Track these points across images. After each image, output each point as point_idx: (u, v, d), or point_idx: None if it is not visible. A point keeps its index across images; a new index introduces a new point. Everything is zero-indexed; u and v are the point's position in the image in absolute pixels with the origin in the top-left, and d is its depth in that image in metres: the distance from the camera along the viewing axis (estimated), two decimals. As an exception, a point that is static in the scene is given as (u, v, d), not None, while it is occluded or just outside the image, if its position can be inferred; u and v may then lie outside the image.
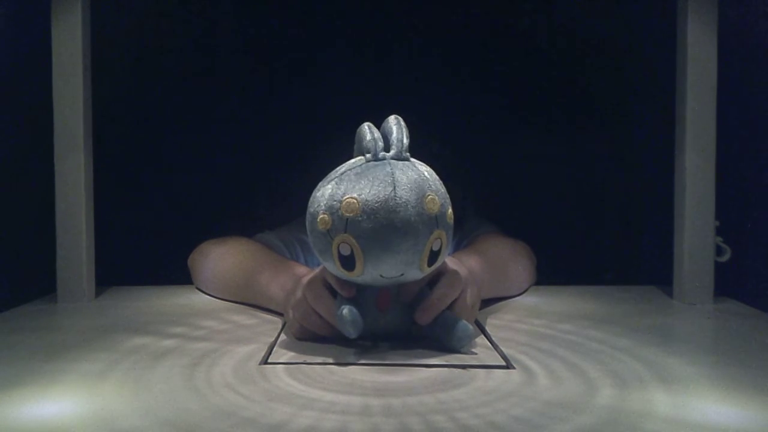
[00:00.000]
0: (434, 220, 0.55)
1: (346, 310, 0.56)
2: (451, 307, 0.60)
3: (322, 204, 0.56)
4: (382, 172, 0.55)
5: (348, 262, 0.55)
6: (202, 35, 1.26)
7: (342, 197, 0.55)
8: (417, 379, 0.52)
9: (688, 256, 0.81)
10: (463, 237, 0.95)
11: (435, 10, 1.26)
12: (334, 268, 0.57)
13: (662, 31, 0.89)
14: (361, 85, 1.19)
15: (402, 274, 0.56)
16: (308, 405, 0.46)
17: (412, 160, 0.58)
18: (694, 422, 0.44)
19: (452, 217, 0.57)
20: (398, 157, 0.57)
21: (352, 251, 0.54)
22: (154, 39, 1.18)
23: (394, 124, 0.58)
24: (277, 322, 0.71)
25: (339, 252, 0.55)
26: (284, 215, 1.08)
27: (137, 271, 1.00)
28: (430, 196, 0.55)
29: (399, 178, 0.54)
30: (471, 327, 0.59)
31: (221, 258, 0.86)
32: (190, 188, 1.22)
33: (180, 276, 0.91)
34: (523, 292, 0.87)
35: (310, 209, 0.58)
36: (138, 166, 1.20)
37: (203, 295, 0.86)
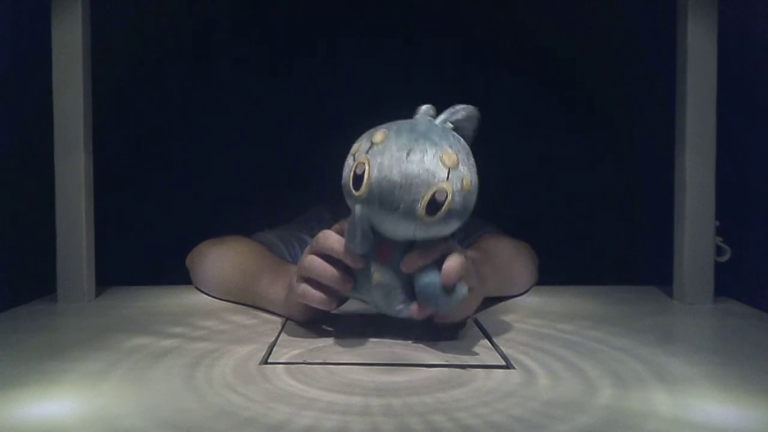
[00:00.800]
0: (445, 171, 0.57)
1: (358, 206, 0.58)
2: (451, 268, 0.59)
3: (363, 137, 0.60)
4: (425, 123, 0.60)
5: (358, 181, 0.57)
6: (202, 35, 1.26)
7: (379, 129, 0.59)
8: (417, 379, 0.52)
9: (688, 256, 0.81)
10: (465, 237, 0.95)
11: (436, 10, 1.26)
12: (348, 195, 0.59)
13: (662, 31, 0.89)
14: (363, 87, 1.19)
15: (399, 207, 0.56)
16: (308, 405, 0.46)
17: (457, 135, 0.61)
18: (694, 422, 0.44)
19: (470, 187, 0.59)
20: (441, 124, 0.61)
21: (364, 171, 0.57)
22: (154, 39, 1.18)
23: (462, 107, 0.63)
24: (277, 322, 0.71)
25: (355, 171, 0.58)
26: (284, 215, 1.08)
27: (137, 271, 0.99)
28: (448, 152, 0.58)
29: (430, 129, 0.59)
30: (465, 289, 0.58)
31: (221, 258, 0.86)
32: (190, 188, 1.22)
33: (180, 276, 0.91)
34: (525, 292, 0.87)
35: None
36: (138, 166, 1.20)
37: (203, 295, 0.86)
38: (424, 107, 0.62)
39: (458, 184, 0.57)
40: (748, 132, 0.89)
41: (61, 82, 0.80)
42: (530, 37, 1.26)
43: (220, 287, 0.83)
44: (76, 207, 0.80)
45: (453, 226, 0.59)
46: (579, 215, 1.24)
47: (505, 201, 1.19)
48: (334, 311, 0.65)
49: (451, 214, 0.57)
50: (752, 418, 0.44)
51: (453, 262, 0.57)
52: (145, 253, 1.16)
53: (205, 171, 1.23)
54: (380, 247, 0.60)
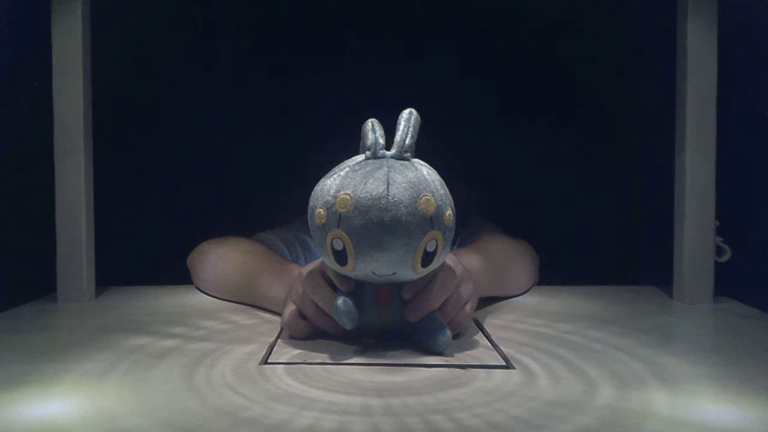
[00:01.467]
0: (428, 221, 0.55)
1: (341, 300, 0.57)
2: (443, 303, 0.60)
3: (320, 198, 0.57)
4: (379, 170, 0.55)
5: (340, 257, 0.56)
6: (202, 35, 1.26)
7: (337, 193, 0.55)
8: (417, 379, 0.52)
9: (688, 256, 0.81)
10: (466, 237, 0.95)
11: (436, 10, 1.26)
12: (330, 262, 0.58)
13: (662, 31, 0.89)
14: (363, 84, 1.19)
15: (394, 273, 0.56)
16: (308, 405, 0.46)
17: (415, 160, 0.58)
18: (694, 422, 0.44)
19: (451, 218, 0.57)
20: (398, 157, 0.57)
21: (344, 246, 0.55)
22: (154, 39, 1.18)
23: (404, 119, 0.58)
24: (277, 322, 0.71)
25: (332, 247, 0.55)
26: (284, 215, 1.08)
27: (137, 271, 0.99)
28: (425, 197, 0.55)
29: (394, 178, 0.55)
30: (450, 335, 0.59)
31: (221, 258, 0.86)
32: (190, 188, 1.22)
33: (180, 276, 0.91)
34: (525, 292, 0.87)
35: (311, 203, 0.58)
36: (138, 166, 1.20)
37: (203, 295, 0.86)
38: (370, 137, 0.57)
39: (443, 224, 0.56)
40: (748, 132, 0.89)
41: (61, 82, 0.80)
42: (530, 37, 1.26)
43: (221, 287, 0.83)
44: (76, 207, 0.81)
45: (439, 262, 0.58)
46: (579, 215, 1.24)
47: (505, 201, 1.19)
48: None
49: (444, 252, 0.57)
50: (752, 418, 0.44)
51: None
52: (145, 253, 1.16)
53: (205, 171, 1.23)
54: (379, 295, 0.59)
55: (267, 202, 1.19)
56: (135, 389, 0.50)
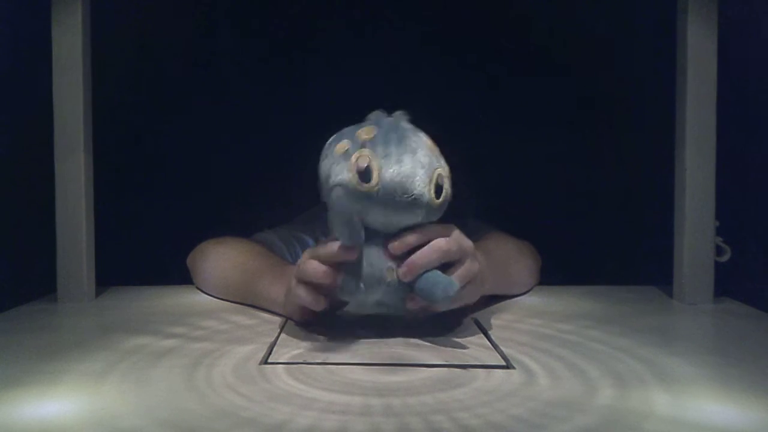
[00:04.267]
0: (435, 159, 0.60)
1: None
2: (448, 267, 0.61)
3: (339, 138, 0.61)
4: (389, 118, 0.62)
5: (365, 174, 0.57)
6: (203, 35, 1.26)
7: (360, 128, 0.60)
8: (417, 379, 0.52)
9: (688, 256, 0.81)
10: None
11: (435, 10, 1.26)
12: (349, 194, 0.58)
13: (662, 31, 0.89)
14: (361, 84, 1.19)
15: (413, 196, 0.57)
16: (308, 405, 0.46)
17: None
18: (694, 422, 0.44)
19: (448, 170, 0.62)
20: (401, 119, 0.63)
21: (369, 163, 0.57)
22: (153, 39, 1.18)
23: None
24: (277, 322, 0.71)
25: (357, 164, 0.57)
26: (284, 215, 1.08)
27: (137, 271, 0.99)
28: (430, 143, 0.62)
29: (403, 125, 0.61)
30: (456, 284, 0.59)
31: (222, 258, 0.86)
32: (190, 188, 1.22)
33: (180, 276, 0.91)
34: (527, 292, 0.87)
35: (326, 152, 0.61)
36: (138, 166, 1.20)
37: (203, 295, 0.86)
38: (372, 114, 0.63)
39: (444, 167, 0.61)
40: (748, 131, 0.89)
41: (61, 82, 0.80)
42: (530, 37, 1.26)
43: (221, 287, 0.83)
44: (76, 207, 0.81)
45: (442, 210, 0.62)
46: (579, 215, 1.24)
47: (505, 201, 1.19)
48: (337, 313, 0.65)
49: (447, 196, 0.61)
50: (752, 418, 0.44)
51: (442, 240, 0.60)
52: (145, 253, 1.16)
53: (205, 171, 1.23)
54: (387, 248, 0.59)
55: (267, 201, 1.19)
56: (135, 389, 0.50)
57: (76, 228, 0.81)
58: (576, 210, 1.24)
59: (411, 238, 0.59)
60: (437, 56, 1.24)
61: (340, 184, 0.58)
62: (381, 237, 0.60)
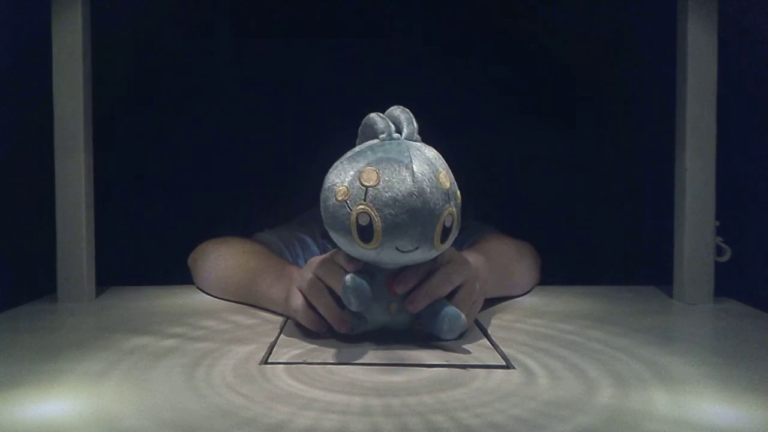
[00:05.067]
0: (447, 195, 0.56)
1: (349, 277, 0.57)
2: (450, 298, 0.60)
3: (338, 177, 0.57)
4: (398, 147, 0.57)
5: (366, 233, 0.55)
6: (201, 35, 1.26)
7: (361, 169, 0.56)
8: (417, 379, 0.52)
9: (688, 256, 0.81)
10: (465, 239, 0.95)
11: (434, 10, 1.26)
12: (349, 243, 0.57)
13: (662, 31, 0.89)
14: (361, 84, 1.19)
15: (417, 248, 0.56)
16: (308, 405, 0.46)
17: (428, 147, 0.60)
18: (694, 422, 0.44)
19: (460, 198, 0.59)
20: (410, 138, 0.59)
21: (370, 221, 0.55)
22: (154, 39, 1.18)
23: (400, 111, 0.60)
24: (277, 322, 0.71)
25: (357, 222, 0.55)
26: (284, 215, 1.08)
27: (137, 271, 0.99)
28: (441, 173, 0.57)
29: (415, 153, 0.56)
30: (463, 317, 0.59)
31: (222, 258, 0.86)
32: (190, 188, 1.22)
33: (180, 276, 0.91)
34: (528, 292, 0.87)
35: (326, 185, 0.59)
36: (138, 166, 1.20)
37: (203, 295, 0.86)
38: (381, 124, 0.59)
39: (456, 200, 0.58)
40: (748, 132, 0.89)
41: (61, 82, 0.80)
42: (530, 38, 1.26)
43: (222, 286, 0.83)
44: (76, 207, 0.81)
45: (448, 246, 0.59)
46: (579, 215, 1.24)
47: (505, 201, 1.19)
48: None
49: (456, 230, 0.58)
50: (752, 418, 0.44)
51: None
52: (145, 253, 1.16)
53: (205, 171, 1.23)
54: (389, 282, 0.59)
55: (267, 202, 1.19)
56: (135, 389, 0.50)
57: (76, 228, 0.81)
58: (576, 210, 1.25)
59: (413, 279, 0.59)
60: (437, 56, 1.24)
61: (328, 226, 0.58)
62: (384, 272, 0.60)
